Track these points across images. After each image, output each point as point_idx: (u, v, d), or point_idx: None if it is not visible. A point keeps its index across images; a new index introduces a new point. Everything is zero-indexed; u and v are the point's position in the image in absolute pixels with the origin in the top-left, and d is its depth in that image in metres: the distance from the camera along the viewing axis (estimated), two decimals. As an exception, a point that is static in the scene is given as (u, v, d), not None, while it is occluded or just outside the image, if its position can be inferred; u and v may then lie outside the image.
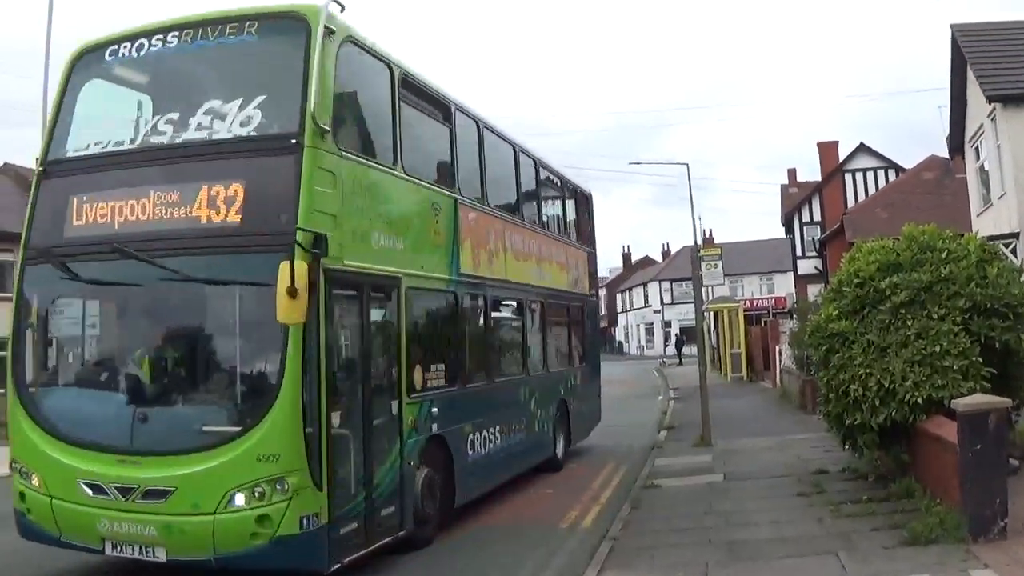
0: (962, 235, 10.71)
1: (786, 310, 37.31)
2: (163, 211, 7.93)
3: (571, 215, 17.17)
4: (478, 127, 11.96)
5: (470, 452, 10.80)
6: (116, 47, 8.75)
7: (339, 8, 8.19)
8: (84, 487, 7.72)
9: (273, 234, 7.54)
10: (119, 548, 7.69)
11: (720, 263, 23.32)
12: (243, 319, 7.73)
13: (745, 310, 38.01)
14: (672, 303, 73.41)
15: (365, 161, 8.74)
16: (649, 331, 78.56)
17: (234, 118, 8.04)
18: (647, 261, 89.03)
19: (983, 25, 19.25)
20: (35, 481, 8.06)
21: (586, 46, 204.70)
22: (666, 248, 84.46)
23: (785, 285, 54.88)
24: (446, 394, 10.15)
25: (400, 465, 8.90)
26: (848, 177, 38.16)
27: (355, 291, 8.42)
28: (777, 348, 26.77)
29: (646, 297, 78.97)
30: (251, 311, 7.71)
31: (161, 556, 7.55)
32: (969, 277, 9.81)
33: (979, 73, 17.78)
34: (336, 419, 7.80)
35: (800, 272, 40.08)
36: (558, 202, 16.50)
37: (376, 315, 8.87)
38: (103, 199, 8.19)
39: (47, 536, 8.06)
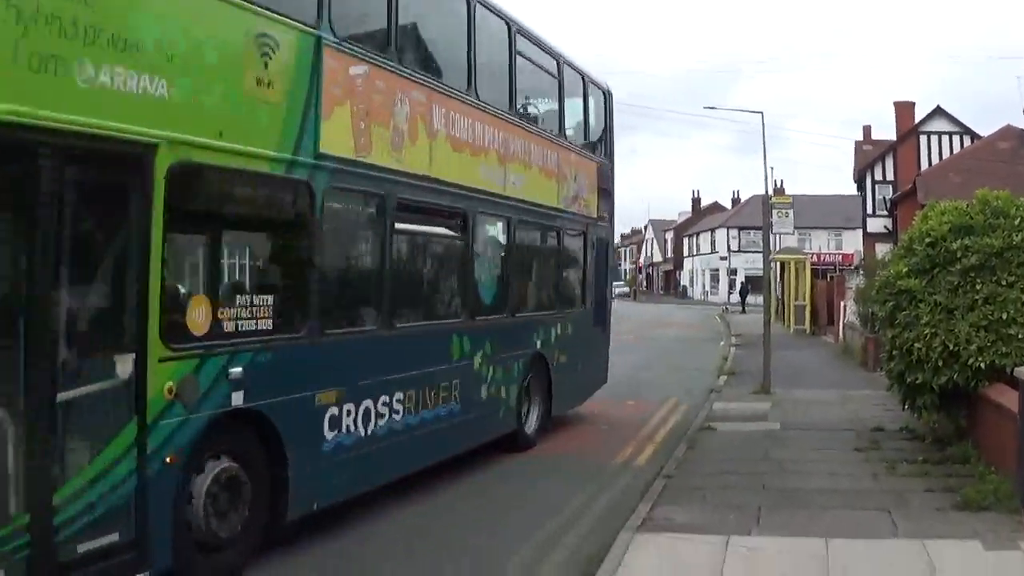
0: (1035, 204, 10.55)
1: (853, 266, 36.75)
2: None
3: (575, 111, 13.02)
4: None
5: (331, 434, 7.35)
6: None
7: None
8: None
9: None
10: None
11: (791, 212, 22.89)
12: None
13: (812, 264, 37.59)
14: (739, 251, 72.61)
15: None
16: (714, 277, 77.95)
17: None
18: (716, 207, 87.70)
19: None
20: None
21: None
22: (736, 196, 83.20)
23: (853, 242, 53.78)
24: (278, 344, 6.69)
25: (138, 465, 5.48)
26: (923, 139, 37.26)
27: (36, 162, 4.86)
28: (842, 303, 26.55)
29: (713, 243, 78.17)
30: None
31: None
32: (1040, 247, 9.72)
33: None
34: None
35: (869, 230, 39.36)
36: (553, 90, 12.26)
37: (96, 207, 5.48)
38: None
39: None
